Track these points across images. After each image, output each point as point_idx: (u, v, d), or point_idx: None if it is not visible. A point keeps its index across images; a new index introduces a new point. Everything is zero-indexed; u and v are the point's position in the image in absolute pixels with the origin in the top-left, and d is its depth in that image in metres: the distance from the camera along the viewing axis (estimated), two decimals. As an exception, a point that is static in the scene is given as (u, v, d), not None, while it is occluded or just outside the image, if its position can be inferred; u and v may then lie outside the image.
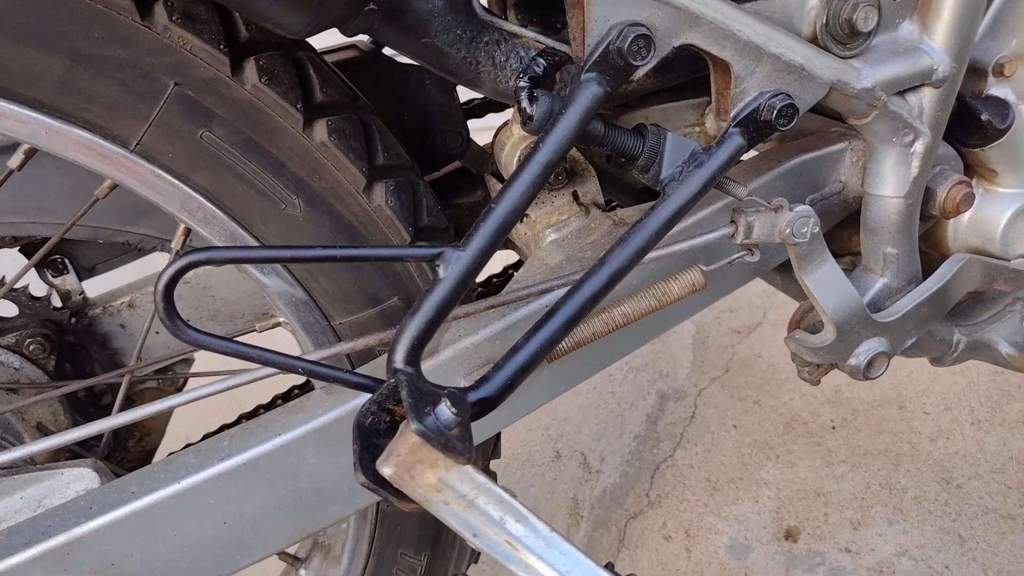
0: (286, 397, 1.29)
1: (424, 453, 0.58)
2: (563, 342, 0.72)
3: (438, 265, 0.64)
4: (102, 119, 0.74)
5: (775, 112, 0.72)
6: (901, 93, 0.82)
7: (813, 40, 0.78)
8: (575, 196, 0.99)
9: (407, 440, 0.58)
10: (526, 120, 0.70)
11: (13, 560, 0.71)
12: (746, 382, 2.07)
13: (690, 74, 0.90)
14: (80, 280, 1.15)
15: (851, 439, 1.87)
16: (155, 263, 1.22)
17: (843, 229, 1.05)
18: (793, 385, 2.02)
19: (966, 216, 0.99)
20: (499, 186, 1.06)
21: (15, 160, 0.85)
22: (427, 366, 0.77)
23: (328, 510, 0.82)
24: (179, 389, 1.23)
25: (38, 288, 1.13)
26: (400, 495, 0.59)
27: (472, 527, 0.60)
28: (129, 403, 1.17)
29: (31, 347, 1.07)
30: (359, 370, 0.84)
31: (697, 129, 1.17)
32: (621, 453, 1.91)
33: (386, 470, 0.57)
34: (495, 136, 1.03)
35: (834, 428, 1.90)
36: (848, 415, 1.93)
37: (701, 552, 1.66)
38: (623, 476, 1.85)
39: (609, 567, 0.66)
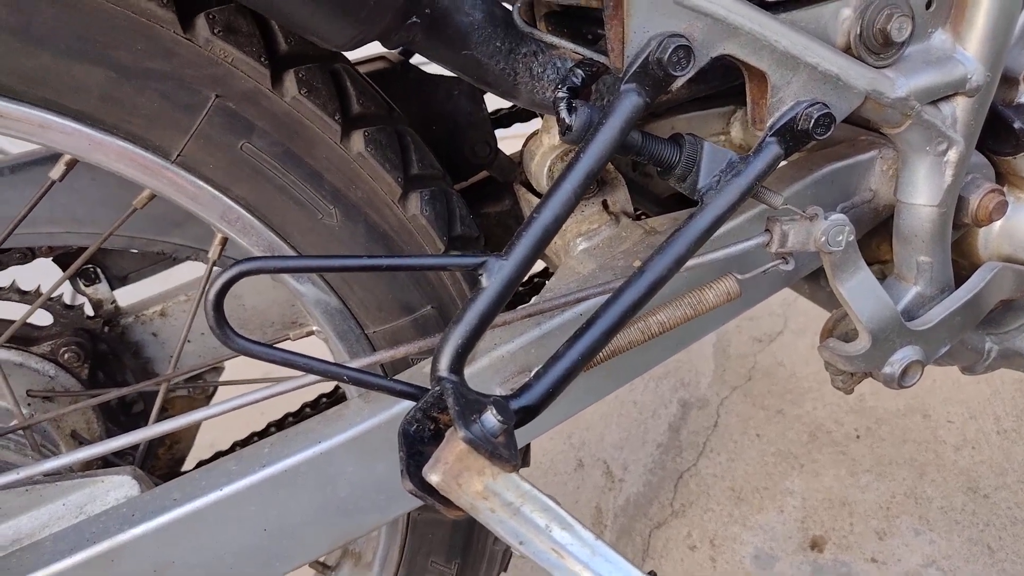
0: (314, 405, 1.29)
1: (471, 461, 0.58)
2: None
3: (481, 274, 0.65)
4: (144, 130, 0.75)
5: (812, 121, 0.72)
6: (934, 102, 0.82)
7: (847, 50, 0.78)
8: (605, 205, 1.00)
9: (454, 447, 0.58)
10: (565, 131, 0.71)
11: (59, 566, 0.72)
12: (768, 391, 2.06)
13: (724, 84, 0.90)
14: (112, 289, 1.17)
15: (876, 448, 1.86)
16: (185, 272, 1.23)
17: (872, 237, 1.05)
18: (816, 394, 2.02)
19: (997, 224, 0.99)
20: (527, 195, 1.07)
21: (56, 171, 0.86)
22: (464, 373, 0.78)
23: (366, 517, 0.83)
24: (209, 398, 1.24)
25: (70, 297, 1.14)
26: (447, 502, 0.59)
27: (518, 535, 0.60)
28: (161, 412, 1.18)
29: (66, 356, 1.08)
30: (396, 378, 0.84)
31: (723, 138, 1.17)
32: (644, 462, 1.91)
33: (433, 477, 0.58)
34: (524, 146, 1.04)
35: (858, 437, 1.89)
36: (872, 424, 1.92)
37: (726, 562, 1.65)
38: (646, 485, 1.85)
39: (652, 575, 0.66)
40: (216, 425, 1.36)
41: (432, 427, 0.63)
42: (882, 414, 1.94)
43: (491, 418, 0.59)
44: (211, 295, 0.57)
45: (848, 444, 1.88)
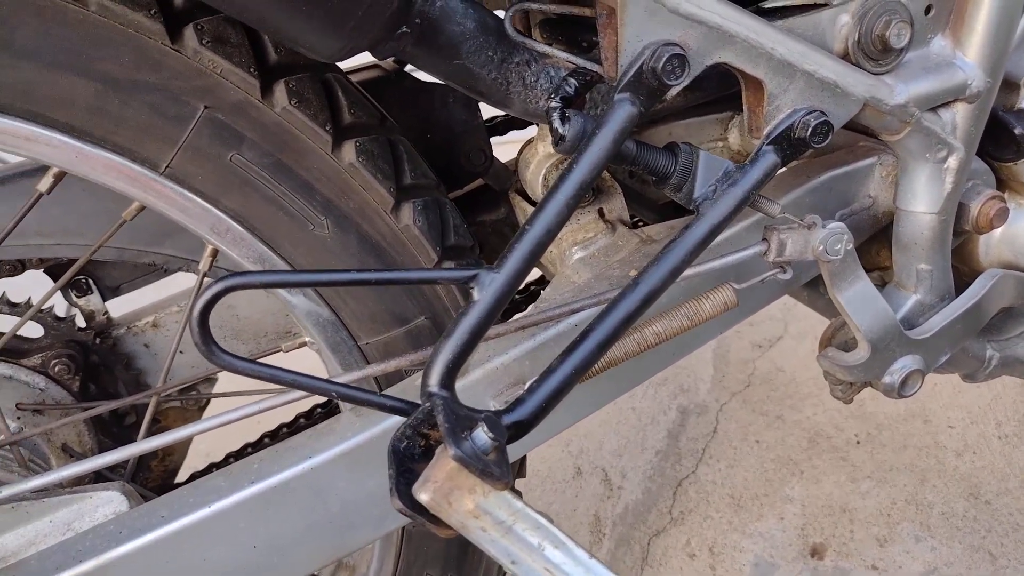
0: (308, 416, 1.28)
1: (461, 479, 0.57)
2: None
3: (472, 287, 0.63)
4: (132, 143, 0.74)
5: (810, 129, 0.71)
6: (934, 109, 0.81)
7: (845, 57, 0.77)
8: (601, 213, 0.99)
9: (444, 465, 0.57)
10: (558, 140, 0.69)
11: (44, 586, 0.71)
12: (768, 396, 2.05)
13: (720, 91, 0.89)
14: (104, 300, 1.16)
15: (876, 454, 1.85)
16: (177, 283, 1.22)
17: (871, 244, 1.04)
18: (816, 399, 2.00)
19: (998, 231, 0.98)
20: (523, 203, 1.06)
21: (44, 183, 0.85)
22: (457, 387, 0.77)
23: (358, 533, 0.81)
24: (203, 408, 1.23)
25: (62, 308, 1.13)
26: (437, 521, 0.58)
27: (510, 554, 0.59)
28: (154, 423, 1.17)
29: (56, 368, 1.07)
30: (388, 391, 0.83)
31: (720, 144, 1.16)
32: (643, 469, 1.89)
33: (423, 496, 0.57)
34: (519, 154, 1.03)
35: (858, 443, 1.88)
36: (873, 429, 1.91)
37: (726, 570, 1.64)
38: (645, 492, 1.84)
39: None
40: (210, 434, 1.34)
41: (423, 443, 0.61)
42: (882, 419, 1.93)
43: (482, 435, 0.58)
44: (196, 311, 0.56)
45: (848, 450, 1.87)
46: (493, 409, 0.79)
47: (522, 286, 1.40)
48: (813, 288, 1.17)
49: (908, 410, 1.94)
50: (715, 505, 1.78)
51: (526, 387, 0.80)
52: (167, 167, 0.75)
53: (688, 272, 0.78)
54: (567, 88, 0.71)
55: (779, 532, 1.70)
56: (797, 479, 1.82)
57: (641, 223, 1.24)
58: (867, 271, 1.04)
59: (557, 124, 0.69)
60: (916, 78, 0.79)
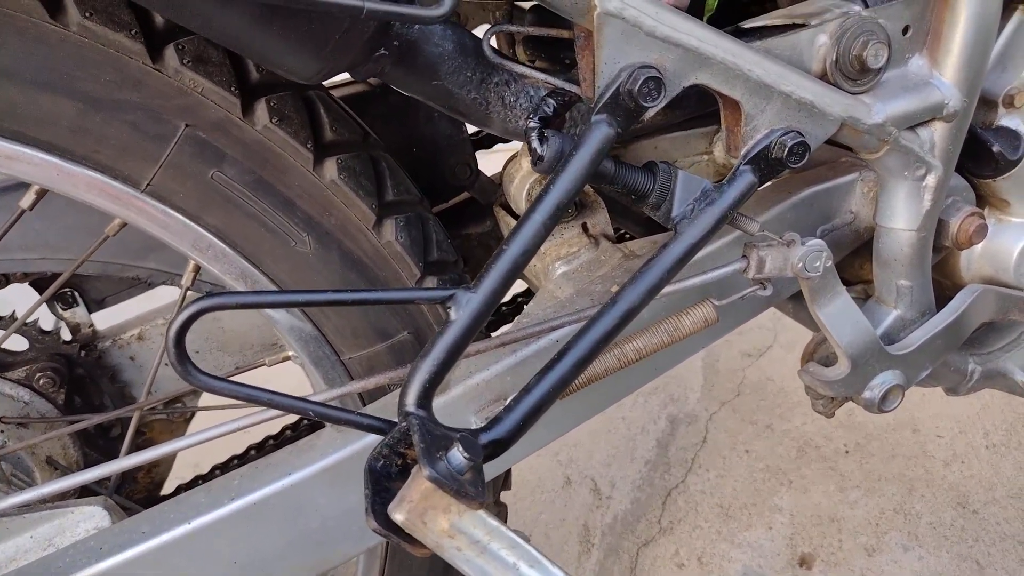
0: (295, 428, 1.28)
1: (436, 499, 0.57)
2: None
3: (449, 307, 0.64)
4: (113, 161, 0.74)
5: (786, 150, 0.72)
6: (912, 128, 0.82)
7: (823, 77, 0.77)
8: (584, 228, 0.99)
9: (419, 486, 0.57)
10: (536, 161, 0.70)
11: (23, 603, 0.71)
12: (758, 406, 2.05)
13: (699, 110, 0.90)
14: (90, 312, 1.16)
15: (865, 464, 1.85)
16: (164, 295, 1.22)
17: (855, 258, 1.04)
18: (805, 408, 2.01)
19: (979, 246, 0.98)
20: (507, 217, 1.06)
21: (27, 199, 0.85)
22: (437, 403, 0.77)
23: (339, 548, 0.82)
24: (188, 421, 1.23)
25: (47, 321, 1.13)
26: (412, 541, 0.58)
27: (486, 573, 0.59)
28: (139, 435, 1.17)
29: (41, 381, 1.07)
30: (370, 407, 0.84)
31: (706, 158, 1.17)
32: (632, 479, 1.90)
33: (398, 516, 0.57)
34: (504, 168, 1.04)
35: (847, 452, 1.88)
36: (861, 439, 1.91)
37: (714, 580, 1.64)
38: (634, 502, 1.84)
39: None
40: (196, 447, 1.35)
41: (399, 463, 0.62)
42: (871, 429, 1.94)
43: (457, 455, 0.58)
44: (172, 332, 0.56)
45: (837, 459, 1.88)
46: (474, 426, 0.80)
47: (508, 297, 1.41)
48: (798, 301, 1.17)
49: (897, 420, 1.95)
50: (704, 515, 1.79)
51: (506, 403, 0.80)
52: (148, 184, 0.76)
53: (668, 289, 0.79)
54: (546, 108, 0.72)
55: (768, 542, 1.71)
56: (786, 488, 1.82)
57: (628, 236, 1.24)
58: (851, 284, 1.05)
59: (536, 144, 0.70)
60: (894, 97, 0.79)
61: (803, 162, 0.73)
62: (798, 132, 0.73)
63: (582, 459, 1.97)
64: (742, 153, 0.73)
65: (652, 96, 0.65)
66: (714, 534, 1.74)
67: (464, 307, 0.64)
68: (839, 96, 0.77)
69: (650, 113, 0.66)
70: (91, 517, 0.82)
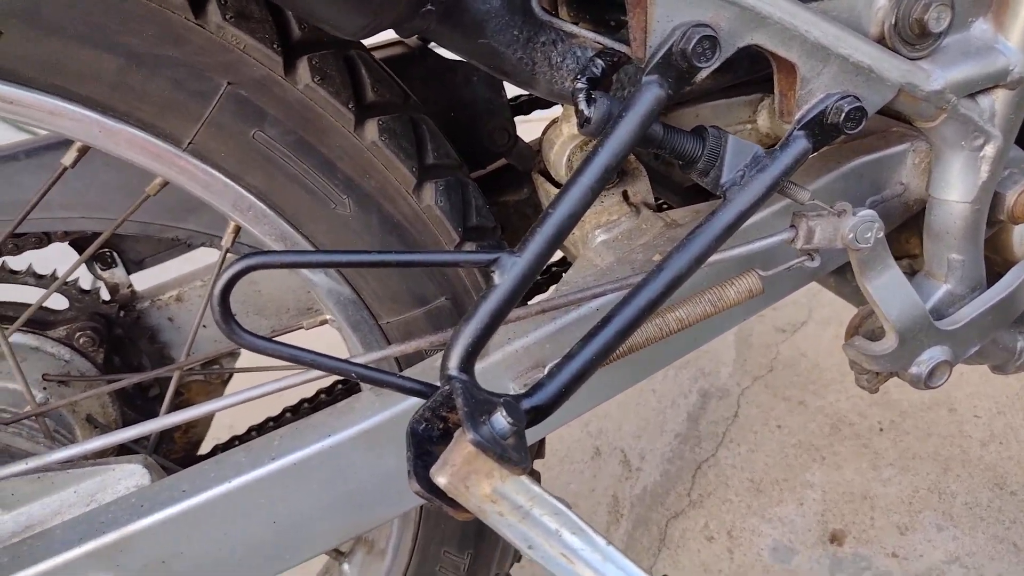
0: (330, 392, 1.29)
1: (479, 463, 0.57)
2: (616, 348, 0.70)
3: (493, 271, 0.63)
4: (155, 118, 0.74)
5: (843, 115, 0.69)
6: (972, 95, 0.79)
7: (880, 41, 0.75)
8: (625, 196, 0.97)
9: (462, 449, 0.57)
10: (583, 123, 0.68)
11: (69, 555, 0.72)
12: (791, 382, 2.03)
13: (750, 74, 0.87)
14: (128, 273, 1.16)
15: (899, 442, 1.83)
16: (202, 257, 1.22)
17: (901, 231, 1.02)
18: (839, 386, 1.98)
19: (1034, 221, 0.95)
20: (546, 185, 1.04)
21: (68, 157, 0.85)
22: (476, 369, 0.77)
23: (376, 511, 0.82)
24: (226, 382, 1.24)
25: (87, 281, 1.14)
26: (454, 504, 0.58)
27: (527, 539, 0.59)
28: (177, 396, 1.18)
29: (81, 340, 1.08)
30: (407, 372, 0.83)
31: (748, 127, 1.14)
32: (662, 451, 1.89)
33: (441, 480, 0.57)
34: (543, 134, 1.02)
35: (882, 430, 1.86)
36: (896, 417, 1.88)
37: (744, 554, 1.63)
38: (664, 475, 1.83)
39: (663, 581, 0.65)
40: (233, 408, 1.36)
41: (441, 426, 0.61)
42: (906, 407, 1.91)
43: (501, 419, 0.58)
44: (216, 291, 0.56)
45: (871, 437, 1.85)
46: (512, 392, 0.79)
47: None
48: (840, 275, 1.15)
49: (933, 398, 1.91)
50: (734, 489, 1.78)
51: (546, 371, 0.79)
52: (190, 143, 0.75)
53: (713, 258, 0.77)
54: (594, 69, 0.70)
55: (799, 518, 1.69)
56: (818, 465, 1.80)
57: (665, 206, 1.22)
58: (896, 259, 1.02)
59: (583, 106, 0.68)
60: (954, 63, 0.76)
61: (859, 128, 0.71)
62: (855, 97, 0.71)
63: (611, 430, 1.96)
64: (796, 118, 0.71)
65: (706, 56, 0.63)
66: (744, 508, 1.73)
67: (509, 271, 0.63)
68: (897, 61, 0.74)
69: (703, 74, 0.64)
70: (132, 474, 0.83)
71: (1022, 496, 1.68)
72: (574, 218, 0.64)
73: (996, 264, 1.00)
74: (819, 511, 1.70)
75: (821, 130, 0.71)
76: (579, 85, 0.68)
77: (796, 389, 2.01)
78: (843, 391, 1.97)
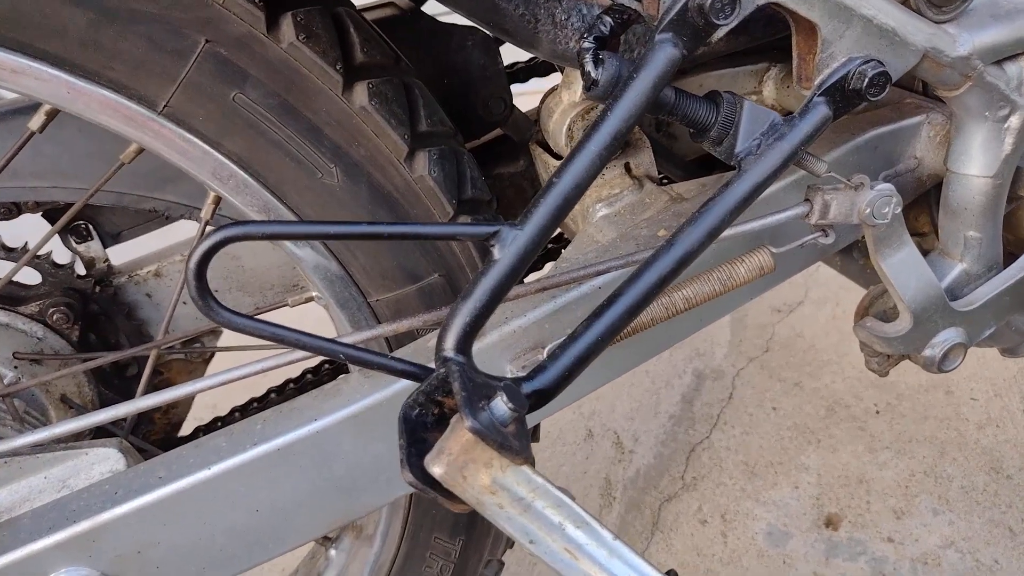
0: (316, 372, 1.24)
1: (478, 452, 0.53)
2: (620, 329, 0.66)
3: (492, 245, 0.58)
4: (128, 78, 0.69)
5: (866, 80, 0.65)
6: (999, 62, 0.75)
7: (904, 2, 0.70)
8: (628, 168, 0.93)
9: (459, 437, 0.53)
10: (590, 85, 0.63)
11: (37, 545, 0.68)
12: (786, 363, 2.00)
13: (767, 36, 0.82)
14: (105, 247, 1.11)
15: (895, 424, 1.80)
16: (183, 230, 1.17)
17: (911, 208, 0.98)
18: (835, 367, 1.96)
19: (1053, 198, 0.91)
20: (544, 156, 1.00)
21: (36, 121, 0.80)
22: (472, 351, 0.72)
23: (364, 499, 0.78)
24: (207, 361, 1.19)
25: (61, 255, 1.09)
26: (450, 496, 0.54)
27: (528, 532, 0.55)
28: (156, 375, 1.14)
29: (54, 316, 1.03)
30: (399, 353, 0.79)
31: (755, 97, 1.10)
32: (655, 433, 1.86)
33: (436, 469, 0.53)
34: (542, 102, 0.97)
35: (878, 413, 1.83)
36: (893, 399, 1.86)
37: (738, 537, 1.61)
38: (657, 457, 1.80)
39: (671, 575, 0.61)
40: (214, 388, 1.31)
41: (436, 411, 0.57)
42: (903, 389, 1.88)
43: (501, 405, 0.53)
44: (192, 264, 0.51)
45: (867, 419, 1.83)
46: (510, 375, 0.75)
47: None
48: (846, 254, 1.11)
49: (930, 381, 1.89)
50: (728, 472, 1.75)
51: (545, 352, 0.75)
52: (166, 106, 0.70)
53: (724, 233, 0.73)
54: (601, 27, 0.65)
55: (793, 501, 1.67)
56: (814, 448, 1.78)
57: (667, 180, 1.18)
58: (906, 237, 0.98)
59: (590, 67, 0.63)
60: (982, 27, 0.72)
61: (883, 95, 0.66)
62: (879, 62, 0.66)
63: (604, 412, 1.93)
64: (816, 83, 0.66)
65: (725, 13, 0.58)
66: (738, 491, 1.70)
67: (509, 245, 0.58)
68: (922, 24, 0.70)
69: (721, 32, 0.59)
70: (106, 459, 0.79)
71: (1018, 480, 1.66)
72: (580, 189, 0.59)
73: (1008, 244, 0.96)
74: (814, 495, 1.68)
75: (843, 96, 0.66)
76: (586, 45, 0.63)
77: (792, 370, 1.98)
78: (839, 372, 1.94)
